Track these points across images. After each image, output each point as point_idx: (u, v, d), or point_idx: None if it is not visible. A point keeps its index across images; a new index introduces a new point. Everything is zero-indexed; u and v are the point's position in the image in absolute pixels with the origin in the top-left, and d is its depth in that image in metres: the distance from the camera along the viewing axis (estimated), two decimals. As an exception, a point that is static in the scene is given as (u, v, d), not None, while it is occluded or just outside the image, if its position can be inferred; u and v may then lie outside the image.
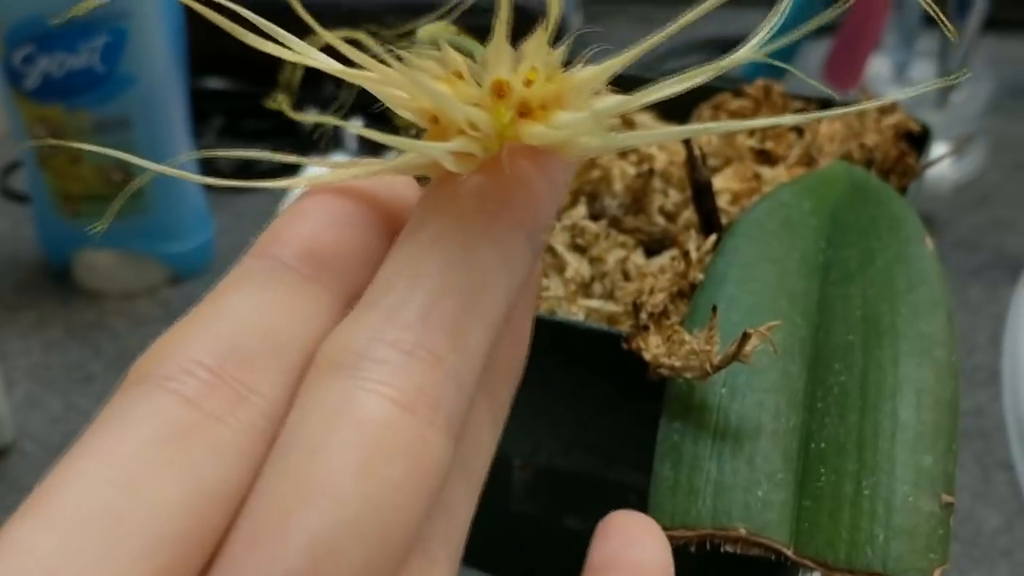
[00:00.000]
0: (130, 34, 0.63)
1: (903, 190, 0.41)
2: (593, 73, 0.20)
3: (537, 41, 0.20)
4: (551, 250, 0.39)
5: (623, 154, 0.44)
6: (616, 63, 0.21)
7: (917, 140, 0.44)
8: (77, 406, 0.61)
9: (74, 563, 0.17)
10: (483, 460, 0.22)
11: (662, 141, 0.21)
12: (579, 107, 0.20)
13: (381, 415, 0.18)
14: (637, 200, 0.41)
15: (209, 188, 0.73)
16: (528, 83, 0.20)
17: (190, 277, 0.71)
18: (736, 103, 0.45)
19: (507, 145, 0.20)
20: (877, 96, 0.44)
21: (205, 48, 0.73)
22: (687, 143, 0.38)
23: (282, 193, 0.78)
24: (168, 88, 0.66)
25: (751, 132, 0.44)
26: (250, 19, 0.22)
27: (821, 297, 0.34)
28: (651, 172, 0.41)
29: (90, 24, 0.62)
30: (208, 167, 0.77)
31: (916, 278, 0.33)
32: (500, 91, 0.20)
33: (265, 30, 0.22)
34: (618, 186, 0.42)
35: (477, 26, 0.21)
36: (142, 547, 0.17)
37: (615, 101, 0.20)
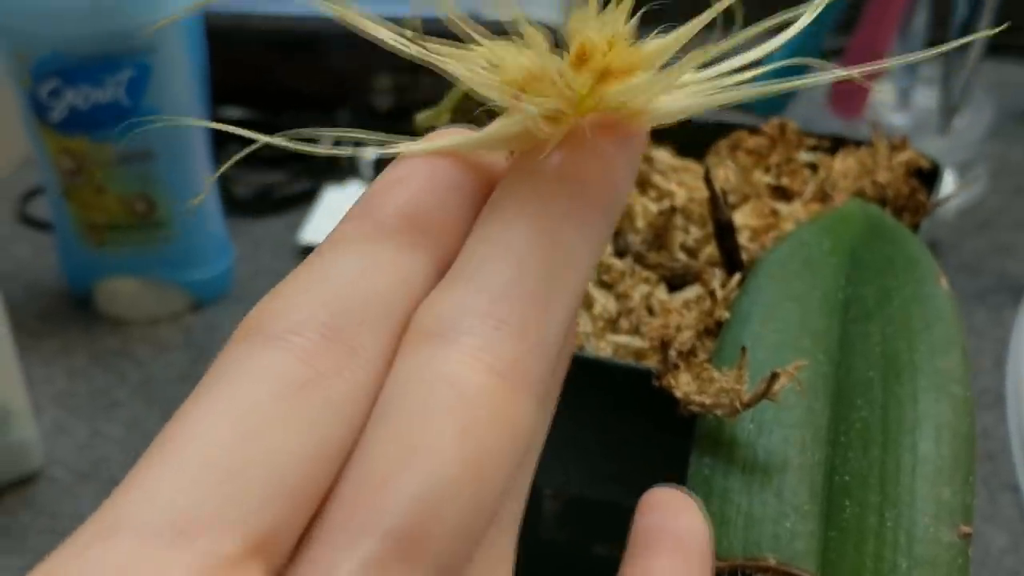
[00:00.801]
0: (155, 68, 0.64)
1: (915, 227, 0.43)
2: (666, 43, 0.22)
3: (620, 8, 0.21)
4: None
5: (644, 191, 0.45)
6: (683, 33, 0.22)
7: (927, 176, 0.46)
8: (103, 432, 0.63)
9: (199, 508, 0.18)
10: (543, 433, 0.23)
11: (736, 100, 0.23)
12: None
13: (478, 382, 0.19)
14: (659, 236, 0.43)
15: (227, 215, 0.74)
16: (608, 49, 0.21)
17: (211, 304, 0.72)
18: (753, 141, 0.46)
19: (587, 119, 0.21)
20: (887, 132, 0.46)
21: (225, 78, 0.75)
22: (708, 182, 0.40)
23: (300, 221, 0.79)
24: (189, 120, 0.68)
25: (767, 169, 0.46)
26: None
27: (842, 334, 0.35)
28: (673, 209, 0.43)
29: (116, 58, 0.63)
30: (226, 195, 0.78)
31: (932, 316, 0.35)
32: (582, 56, 0.21)
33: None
34: (641, 223, 0.43)
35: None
36: (263, 496, 0.18)
37: (686, 65, 0.22)
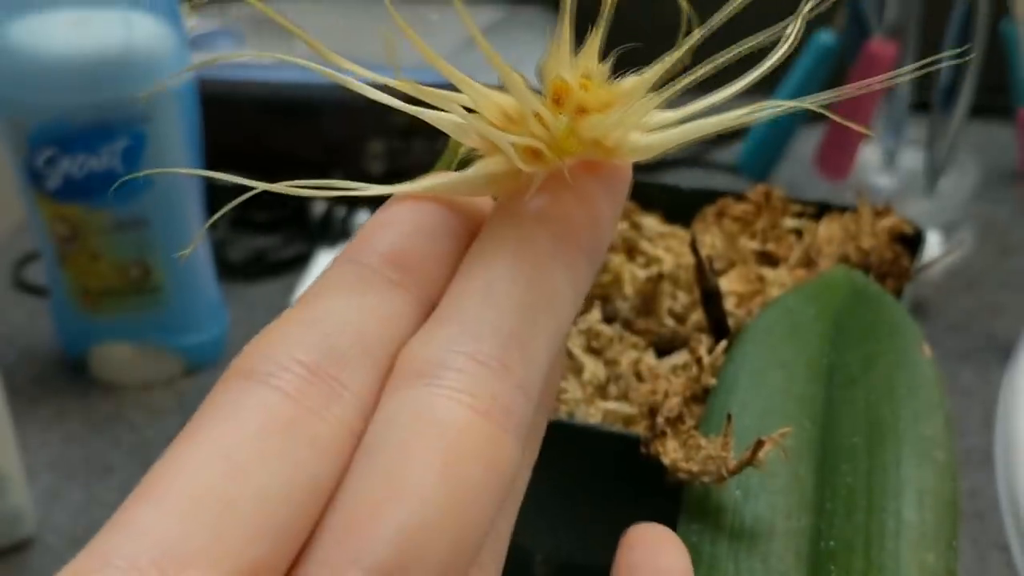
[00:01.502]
0: (150, 136, 0.65)
1: (899, 292, 0.43)
2: (639, 80, 0.22)
3: (591, 49, 0.22)
4: (568, 353, 0.41)
5: (632, 257, 0.46)
6: (656, 70, 0.22)
7: (911, 240, 0.46)
8: (98, 498, 0.63)
9: (186, 544, 0.18)
10: (526, 476, 0.24)
11: (709, 133, 0.23)
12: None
13: (459, 420, 0.20)
14: (647, 303, 0.43)
15: (221, 280, 0.75)
16: (583, 88, 0.22)
17: (205, 368, 0.73)
18: (739, 207, 0.47)
19: (567, 160, 0.22)
20: (872, 194, 0.46)
21: (218, 144, 0.76)
22: (695, 250, 0.40)
23: (294, 284, 0.80)
24: (184, 187, 0.68)
25: (753, 235, 0.46)
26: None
27: (827, 400, 0.36)
28: (660, 276, 0.43)
29: (111, 127, 0.64)
30: (220, 260, 0.79)
31: (916, 382, 0.35)
32: (558, 96, 0.22)
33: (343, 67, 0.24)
34: (629, 289, 0.44)
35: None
36: (249, 534, 0.18)
37: (657, 100, 0.22)
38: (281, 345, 0.20)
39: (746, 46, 0.23)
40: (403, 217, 0.22)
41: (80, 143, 0.64)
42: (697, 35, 0.23)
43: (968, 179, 0.82)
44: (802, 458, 0.34)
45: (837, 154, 0.81)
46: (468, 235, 0.23)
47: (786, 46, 0.24)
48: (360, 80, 0.24)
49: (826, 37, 0.80)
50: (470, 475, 0.19)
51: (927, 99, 0.81)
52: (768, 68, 0.24)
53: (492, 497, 0.20)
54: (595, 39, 0.22)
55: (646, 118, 0.22)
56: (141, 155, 0.65)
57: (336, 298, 0.21)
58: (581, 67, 0.22)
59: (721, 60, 0.23)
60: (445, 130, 0.23)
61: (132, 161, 0.65)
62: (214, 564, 0.18)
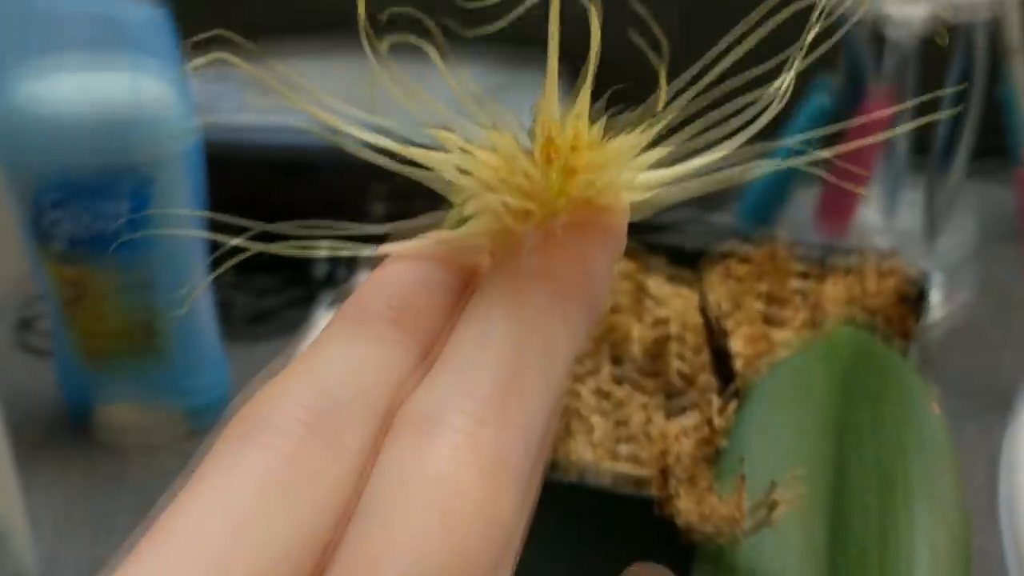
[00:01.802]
0: (155, 196, 0.65)
1: (905, 350, 0.44)
2: (631, 139, 0.23)
3: (579, 108, 0.23)
4: (578, 413, 0.41)
5: (639, 316, 0.46)
6: (649, 128, 0.23)
7: (914, 297, 0.47)
8: (102, 559, 0.63)
9: None
10: (524, 525, 0.23)
11: (700, 191, 0.23)
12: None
13: (457, 476, 0.20)
14: (655, 362, 0.44)
15: (224, 338, 0.75)
16: (573, 147, 0.22)
17: (208, 428, 0.73)
18: (744, 268, 0.48)
19: (560, 218, 0.22)
20: (874, 254, 0.47)
21: (221, 202, 0.76)
22: (704, 312, 0.41)
23: (296, 343, 0.80)
24: (189, 247, 0.69)
25: (758, 295, 0.47)
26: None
27: (838, 459, 0.36)
28: (668, 336, 0.44)
29: (117, 186, 0.64)
30: (223, 318, 0.79)
31: (926, 440, 0.36)
32: (548, 154, 0.22)
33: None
34: (637, 349, 0.44)
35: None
36: None
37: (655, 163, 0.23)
38: (281, 401, 0.21)
39: (736, 105, 0.23)
40: (400, 275, 0.23)
41: (86, 202, 0.65)
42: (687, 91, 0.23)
43: (966, 237, 0.83)
44: (814, 517, 0.34)
45: (836, 211, 0.82)
46: (465, 289, 0.23)
47: (778, 102, 0.25)
48: (357, 140, 0.24)
49: (823, 95, 0.81)
50: (469, 531, 0.19)
51: (925, 158, 0.81)
52: (763, 121, 0.24)
53: (492, 552, 0.20)
54: (583, 99, 0.23)
55: (638, 176, 0.23)
56: (147, 215, 0.65)
57: (335, 355, 0.22)
58: (570, 126, 0.23)
59: (712, 119, 0.23)
60: (437, 189, 0.24)
61: (137, 220, 0.65)
62: None
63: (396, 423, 0.21)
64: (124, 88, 0.64)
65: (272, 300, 0.84)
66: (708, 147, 0.23)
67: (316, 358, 0.22)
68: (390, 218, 0.78)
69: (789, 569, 0.33)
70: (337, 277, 0.83)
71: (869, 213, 0.84)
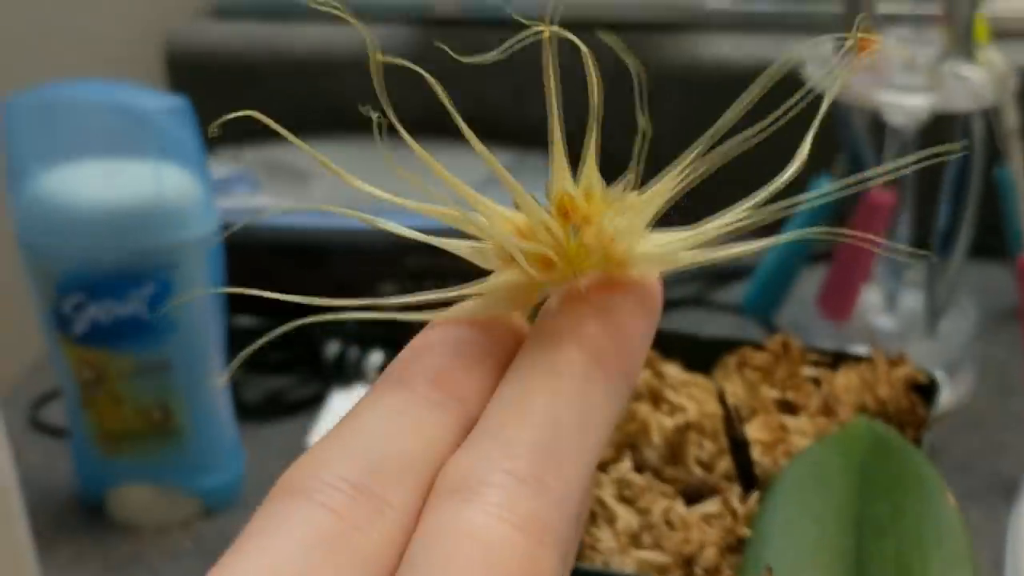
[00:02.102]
0: (175, 283, 0.67)
1: (917, 440, 0.45)
2: (646, 195, 0.24)
3: (588, 165, 0.24)
4: (601, 502, 0.42)
5: (657, 405, 0.47)
6: (665, 185, 0.24)
7: (924, 388, 0.48)
8: (118, 642, 0.63)
9: None
10: None
11: (716, 257, 0.24)
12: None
13: (499, 536, 0.20)
14: (675, 451, 0.45)
15: (237, 420, 0.76)
16: (587, 200, 0.23)
17: (223, 510, 0.74)
18: (759, 357, 0.49)
19: (586, 279, 0.24)
20: (886, 350, 0.48)
21: (237, 287, 0.77)
22: (723, 402, 0.42)
23: (309, 425, 0.81)
24: (207, 331, 0.70)
25: (773, 384, 0.48)
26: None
27: (858, 551, 0.37)
28: (687, 425, 0.45)
29: (139, 274, 0.66)
30: (236, 400, 0.80)
31: (943, 532, 0.37)
32: (565, 209, 0.23)
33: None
34: (656, 437, 0.45)
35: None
36: None
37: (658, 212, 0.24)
38: (327, 464, 0.21)
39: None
40: (443, 340, 0.24)
41: (107, 290, 0.66)
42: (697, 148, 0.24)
43: (968, 320, 0.84)
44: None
45: (839, 296, 0.83)
46: (505, 354, 0.24)
47: (793, 168, 0.25)
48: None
49: (824, 184, 0.82)
50: None
51: (926, 240, 0.83)
52: (777, 187, 0.25)
53: None
54: (589, 155, 0.24)
55: (655, 239, 0.24)
56: (167, 301, 0.67)
57: (380, 418, 0.22)
58: (582, 182, 0.24)
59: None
60: (461, 254, 0.24)
61: (158, 307, 0.67)
62: None
63: (437, 484, 0.22)
64: (146, 179, 0.66)
65: (283, 381, 0.85)
66: (726, 212, 0.24)
67: (361, 424, 0.22)
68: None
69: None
70: (348, 359, 0.84)
71: (871, 296, 0.85)
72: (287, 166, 0.94)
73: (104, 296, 0.66)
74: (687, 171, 0.24)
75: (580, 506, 0.23)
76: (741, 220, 0.24)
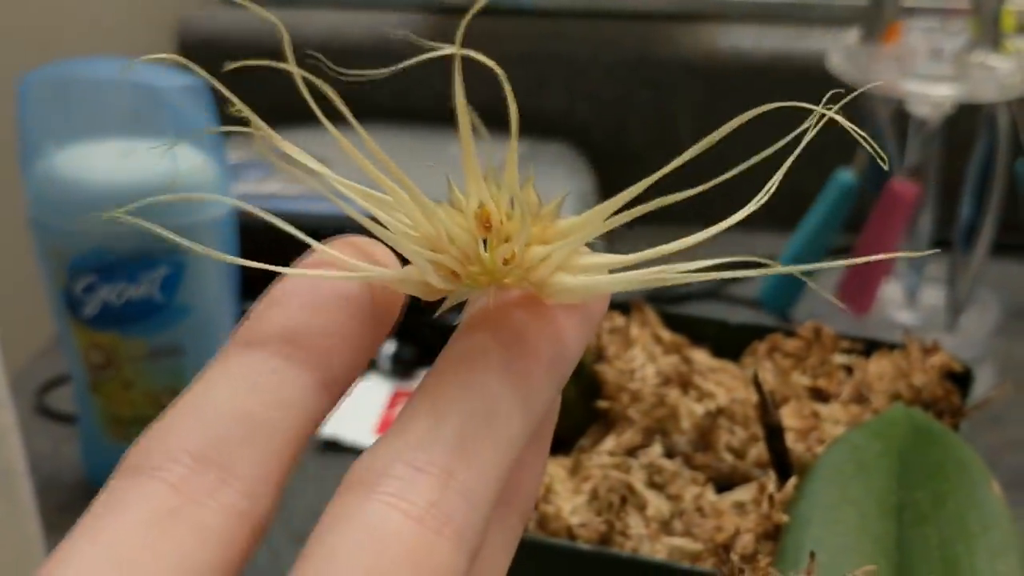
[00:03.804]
0: (188, 267, 0.66)
1: (955, 428, 0.44)
2: (577, 221, 0.22)
3: (509, 173, 0.22)
4: (631, 488, 0.41)
5: (685, 391, 0.46)
6: (597, 213, 0.22)
7: (958, 378, 0.47)
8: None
9: None
10: None
11: (637, 287, 0.22)
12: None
13: (390, 525, 0.19)
14: (705, 437, 0.44)
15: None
16: (508, 217, 0.22)
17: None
18: (790, 344, 0.48)
19: (501, 291, 0.22)
20: (921, 340, 0.47)
21: (249, 274, 0.76)
22: (758, 386, 0.41)
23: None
24: (220, 316, 0.69)
25: (804, 371, 0.47)
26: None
27: (899, 538, 0.36)
28: (718, 411, 0.44)
29: (151, 256, 0.65)
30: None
31: (988, 520, 0.36)
32: (486, 222, 0.22)
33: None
34: (686, 423, 0.44)
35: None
36: None
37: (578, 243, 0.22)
38: (169, 437, 0.21)
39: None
40: (295, 294, 0.22)
41: (120, 272, 0.65)
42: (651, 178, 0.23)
43: (989, 315, 0.83)
44: (880, 596, 0.34)
45: (859, 290, 0.82)
46: (372, 319, 0.22)
47: (759, 199, 0.23)
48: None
49: (846, 176, 0.81)
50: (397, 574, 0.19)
51: (948, 236, 0.82)
52: (730, 223, 0.23)
53: None
54: (511, 166, 0.22)
55: (580, 263, 0.22)
56: (179, 285, 0.66)
57: (224, 383, 0.21)
58: (503, 193, 0.22)
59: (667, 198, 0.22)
60: (375, 234, 0.23)
61: (170, 290, 0.66)
62: None
63: (344, 479, 0.21)
64: (163, 159, 0.64)
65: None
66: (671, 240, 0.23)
67: (202, 392, 0.21)
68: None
69: (856, 648, 0.33)
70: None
71: (892, 291, 0.84)
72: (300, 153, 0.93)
73: (116, 278, 0.65)
74: (629, 198, 0.23)
75: (489, 510, 0.21)
76: (674, 252, 0.22)
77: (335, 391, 0.22)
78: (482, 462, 0.21)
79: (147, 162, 0.65)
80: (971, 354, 0.81)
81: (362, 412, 0.80)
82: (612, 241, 0.91)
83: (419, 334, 0.84)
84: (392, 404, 0.79)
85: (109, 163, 0.65)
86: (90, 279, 0.65)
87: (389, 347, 0.83)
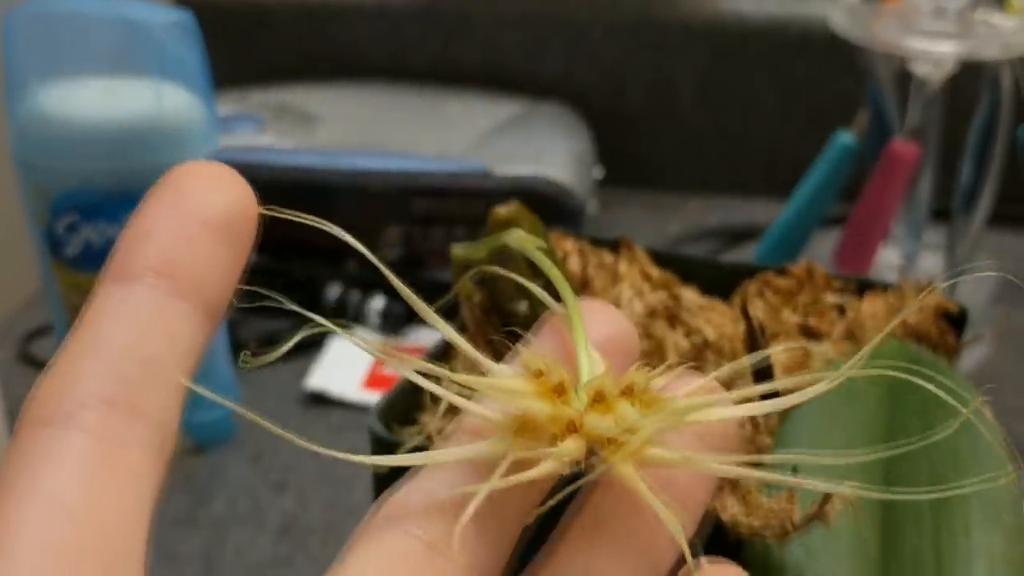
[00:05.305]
0: (173, 207, 0.64)
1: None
2: (691, 403, 0.23)
3: (640, 370, 0.22)
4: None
5: (673, 326, 0.45)
6: (707, 396, 0.23)
7: (954, 320, 0.46)
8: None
9: None
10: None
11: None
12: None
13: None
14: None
15: (234, 361, 0.74)
16: (627, 395, 0.22)
17: (213, 448, 0.71)
18: (781, 281, 0.47)
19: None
20: (917, 281, 0.46)
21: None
22: (746, 314, 0.40)
23: (306, 367, 0.79)
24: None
25: (795, 308, 0.46)
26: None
27: (888, 463, 0.35)
28: (705, 343, 0.42)
29: (135, 196, 0.63)
30: (232, 340, 0.78)
31: (979, 447, 0.34)
32: (599, 397, 0.22)
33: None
34: (672, 357, 0.43)
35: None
36: (105, 563, 0.19)
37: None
38: (72, 384, 0.21)
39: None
40: (163, 225, 0.22)
41: (103, 211, 0.64)
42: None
43: (986, 284, 0.82)
44: (865, 520, 0.33)
45: (855, 256, 0.81)
46: (236, 242, 0.23)
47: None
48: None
49: (847, 138, 0.80)
50: None
51: (947, 204, 0.81)
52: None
53: None
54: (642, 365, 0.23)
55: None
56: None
57: (111, 325, 0.21)
58: (627, 379, 0.22)
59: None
60: (469, 412, 0.23)
61: (154, 230, 0.64)
62: None
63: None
64: (148, 97, 0.63)
65: (282, 323, 0.83)
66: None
67: (94, 328, 0.21)
68: (406, 244, 0.77)
69: (840, 569, 0.32)
70: (349, 302, 0.82)
71: (889, 256, 0.83)
72: (293, 109, 0.92)
73: (99, 218, 0.64)
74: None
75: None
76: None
77: (214, 316, 0.22)
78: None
79: (132, 100, 0.64)
80: (971, 326, 0.80)
81: (350, 367, 0.79)
82: (606, 205, 0.88)
83: (409, 290, 0.83)
84: (379, 360, 0.78)
85: (94, 100, 0.64)
86: (72, 218, 0.64)
87: (379, 303, 0.82)
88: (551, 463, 0.22)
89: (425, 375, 0.23)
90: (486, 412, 0.23)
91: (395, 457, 0.23)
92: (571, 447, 0.22)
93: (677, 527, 0.22)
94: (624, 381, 0.22)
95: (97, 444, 0.20)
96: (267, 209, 0.25)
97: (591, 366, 0.23)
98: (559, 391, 0.22)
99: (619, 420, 0.22)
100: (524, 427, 0.22)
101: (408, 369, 0.23)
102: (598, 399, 0.22)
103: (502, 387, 0.23)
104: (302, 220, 0.24)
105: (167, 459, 0.21)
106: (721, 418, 0.24)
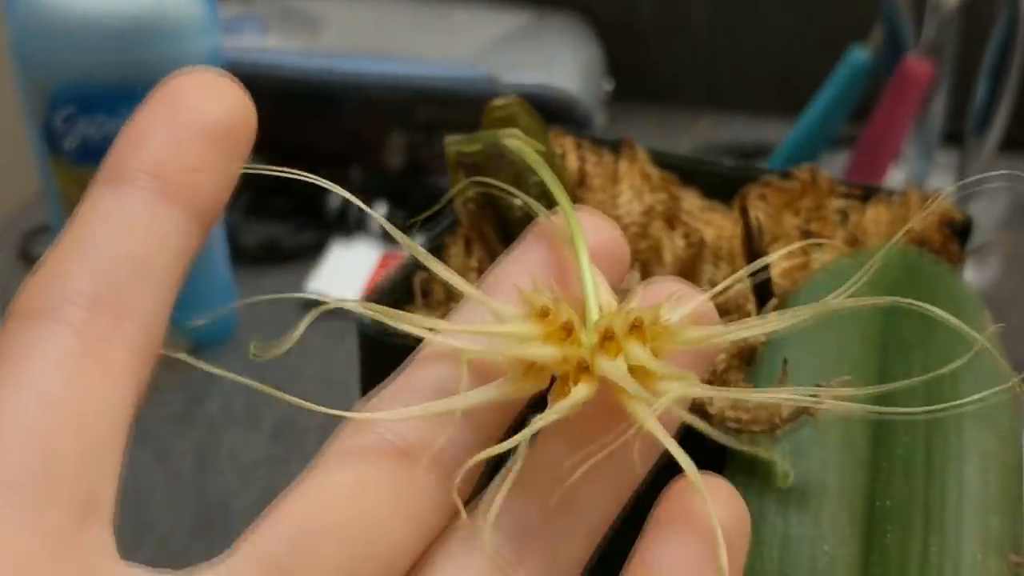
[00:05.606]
0: (172, 102, 0.63)
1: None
2: (698, 334, 0.24)
3: (651, 308, 0.23)
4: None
5: (671, 227, 0.44)
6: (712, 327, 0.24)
7: (958, 231, 0.45)
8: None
9: (25, 475, 0.19)
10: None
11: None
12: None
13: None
14: (687, 271, 0.42)
15: (233, 265, 0.73)
16: (632, 328, 0.23)
17: (210, 348, 0.71)
18: (785, 185, 0.46)
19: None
20: (922, 188, 0.45)
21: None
22: (744, 214, 0.39)
23: (306, 273, 0.78)
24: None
25: (797, 212, 0.45)
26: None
27: (882, 364, 0.34)
28: (702, 242, 0.42)
29: (134, 90, 0.62)
30: (233, 244, 0.77)
31: (978, 352, 0.34)
32: (608, 334, 0.23)
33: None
34: (668, 257, 0.42)
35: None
36: (81, 451, 0.20)
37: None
38: (60, 281, 0.21)
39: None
40: (157, 129, 0.22)
41: (101, 104, 0.63)
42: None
43: (997, 207, 0.81)
44: (856, 419, 0.32)
45: (866, 174, 0.80)
46: (231, 148, 0.23)
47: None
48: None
49: (861, 54, 0.79)
50: None
51: (960, 128, 0.79)
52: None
53: None
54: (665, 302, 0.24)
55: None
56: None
57: (102, 226, 0.22)
58: (632, 311, 0.23)
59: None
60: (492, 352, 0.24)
61: (153, 126, 0.63)
62: (52, 497, 0.19)
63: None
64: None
65: (283, 230, 0.82)
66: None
67: (85, 226, 0.22)
68: (410, 150, 0.76)
69: (829, 467, 0.31)
70: (351, 210, 0.81)
71: (900, 176, 0.82)
72: (298, 11, 0.91)
73: (97, 111, 0.63)
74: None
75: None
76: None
77: (206, 222, 0.23)
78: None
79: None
80: (976, 243, 0.79)
81: (351, 274, 0.78)
82: (615, 120, 0.87)
83: (411, 197, 0.82)
84: (381, 267, 0.77)
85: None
86: (70, 110, 0.63)
87: (380, 210, 0.81)
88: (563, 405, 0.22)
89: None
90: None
91: (395, 412, 0.24)
92: (583, 392, 0.22)
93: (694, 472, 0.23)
94: (631, 317, 0.22)
95: (80, 338, 0.21)
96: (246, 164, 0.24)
97: (595, 290, 0.24)
98: (567, 328, 0.22)
99: (631, 361, 0.22)
100: (531, 368, 0.23)
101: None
102: (607, 336, 0.22)
103: (508, 333, 0.23)
104: (288, 175, 0.25)
105: (152, 359, 0.22)
106: (724, 341, 0.25)
